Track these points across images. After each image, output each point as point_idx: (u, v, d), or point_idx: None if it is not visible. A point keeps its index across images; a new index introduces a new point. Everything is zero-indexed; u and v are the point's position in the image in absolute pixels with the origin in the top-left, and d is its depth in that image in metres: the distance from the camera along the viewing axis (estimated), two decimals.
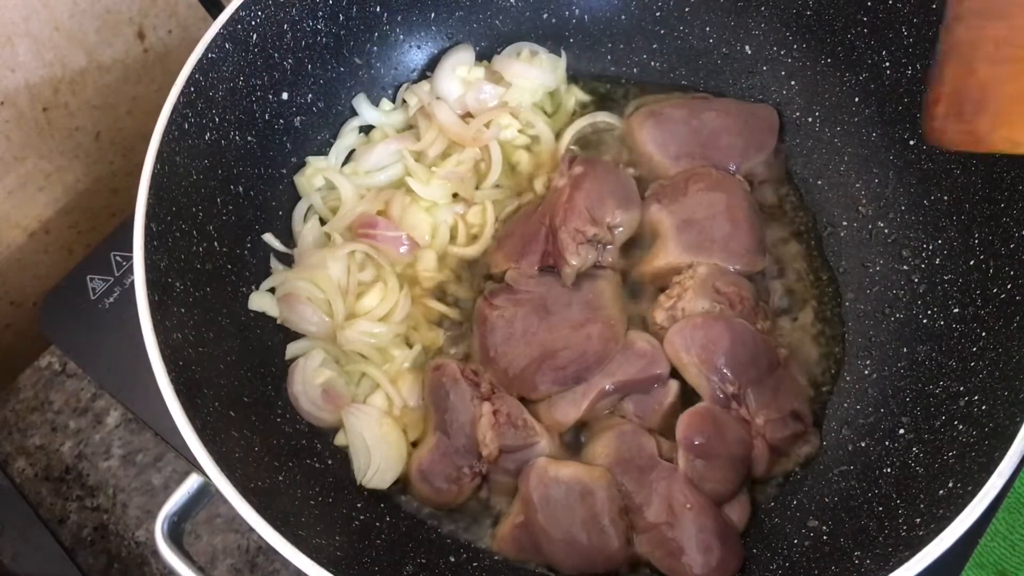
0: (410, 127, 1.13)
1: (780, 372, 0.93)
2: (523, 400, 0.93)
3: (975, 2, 0.83)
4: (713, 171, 1.03)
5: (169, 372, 0.77)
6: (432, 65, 1.14)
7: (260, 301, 0.98)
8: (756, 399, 0.90)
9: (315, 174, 1.07)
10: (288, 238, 1.05)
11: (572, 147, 1.11)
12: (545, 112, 1.14)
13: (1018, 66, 0.79)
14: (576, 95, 1.15)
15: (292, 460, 0.89)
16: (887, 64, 0.98)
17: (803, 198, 1.07)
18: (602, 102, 1.15)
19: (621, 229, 0.99)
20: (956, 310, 0.89)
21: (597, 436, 0.92)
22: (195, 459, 0.74)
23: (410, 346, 1.00)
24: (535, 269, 0.98)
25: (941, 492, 0.76)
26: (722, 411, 0.90)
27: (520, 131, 1.11)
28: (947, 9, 0.86)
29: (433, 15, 1.13)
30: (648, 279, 1.00)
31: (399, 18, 1.10)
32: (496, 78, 1.11)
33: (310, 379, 0.95)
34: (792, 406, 0.91)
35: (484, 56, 1.16)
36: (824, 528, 0.86)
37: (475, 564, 0.90)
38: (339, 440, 0.96)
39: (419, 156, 1.09)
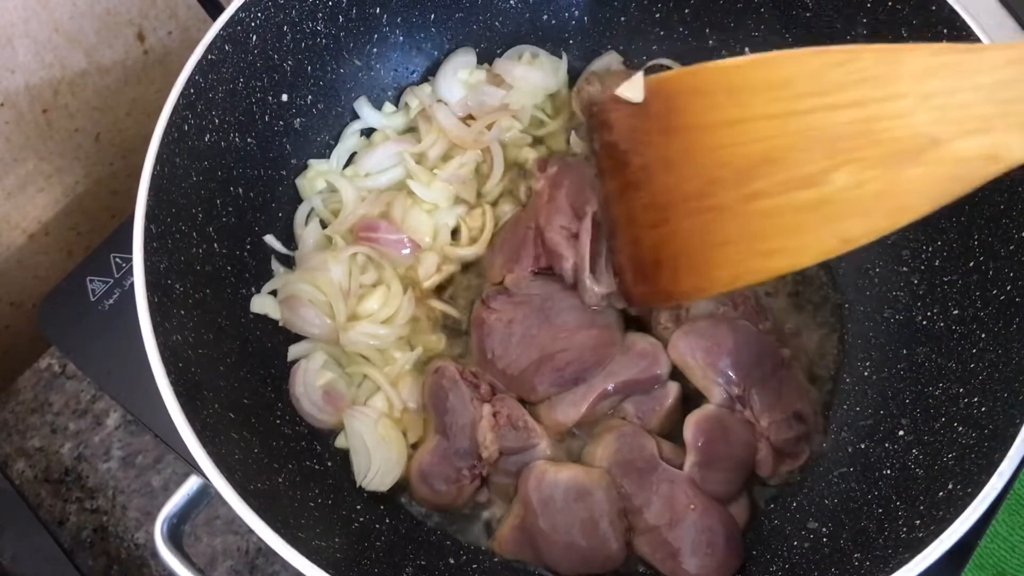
0: (411, 130, 1.13)
1: (783, 373, 0.93)
2: (523, 402, 0.93)
3: (615, 182, 0.85)
4: None
5: (169, 374, 0.76)
6: (433, 67, 1.14)
7: (262, 303, 0.98)
8: (760, 400, 0.90)
9: (316, 177, 1.07)
10: (288, 240, 1.05)
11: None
12: (546, 114, 1.14)
13: (667, 227, 0.80)
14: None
15: (292, 462, 0.89)
16: None
17: None
18: None
19: None
20: (956, 312, 0.89)
21: (597, 438, 0.92)
22: (195, 461, 0.74)
23: (411, 348, 1.00)
24: (529, 272, 0.98)
25: (941, 494, 0.76)
26: (728, 413, 0.90)
27: (523, 131, 1.11)
28: (598, 191, 0.89)
29: (433, 17, 1.12)
30: None
31: (399, 20, 1.10)
32: (497, 81, 1.11)
33: (312, 381, 0.95)
34: (795, 407, 0.91)
35: (484, 57, 1.16)
36: (824, 530, 0.86)
37: (475, 566, 0.90)
38: (339, 442, 0.96)
39: (420, 158, 1.08)
